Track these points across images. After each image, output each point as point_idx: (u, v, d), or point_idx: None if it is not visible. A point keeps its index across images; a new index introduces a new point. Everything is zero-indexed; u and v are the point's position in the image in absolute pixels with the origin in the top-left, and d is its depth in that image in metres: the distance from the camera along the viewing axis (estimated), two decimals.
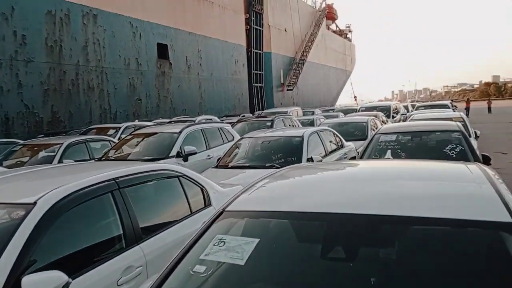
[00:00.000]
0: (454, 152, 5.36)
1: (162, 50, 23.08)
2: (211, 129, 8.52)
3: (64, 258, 2.47)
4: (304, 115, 20.50)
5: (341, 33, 62.96)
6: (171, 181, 3.47)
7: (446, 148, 5.46)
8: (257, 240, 1.80)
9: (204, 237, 1.93)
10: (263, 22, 36.03)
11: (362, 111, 18.29)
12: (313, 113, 21.50)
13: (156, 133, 7.96)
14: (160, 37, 22.93)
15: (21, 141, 8.98)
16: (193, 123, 8.84)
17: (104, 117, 18.99)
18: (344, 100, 67.45)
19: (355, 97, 63.91)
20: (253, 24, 34.52)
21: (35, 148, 8.02)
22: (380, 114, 15.53)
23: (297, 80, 41.34)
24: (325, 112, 21.79)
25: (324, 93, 52.15)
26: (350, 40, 66.91)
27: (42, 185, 2.79)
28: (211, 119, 17.50)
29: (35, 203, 2.43)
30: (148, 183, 3.24)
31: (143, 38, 21.58)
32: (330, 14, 54.98)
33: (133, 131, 8.81)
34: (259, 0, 35.13)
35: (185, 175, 3.58)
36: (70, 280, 2.20)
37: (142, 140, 7.84)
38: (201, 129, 8.13)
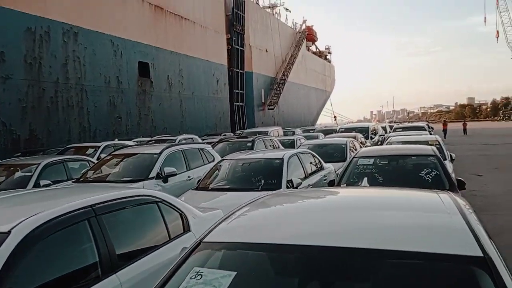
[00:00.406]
0: (430, 177, 5.49)
1: (144, 69, 23.08)
2: (191, 149, 8.51)
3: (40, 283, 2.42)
4: (284, 135, 20.66)
5: (320, 54, 64.14)
6: (150, 207, 3.45)
7: (422, 172, 5.58)
8: (234, 273, 1.80)
9: (181, 270, 1.92)
10: (245, 42, 36.50)
11: (341, 131, 18.56)
12: (293, 133, 21.70)
13: (135, 154, 7.90)
14: (142, 55, 22.95)
15: None
16: (173, 143, 8.80)
17: (83, 135, 18.75)
18: (324, 119, 68.36)
19: (334, 117, 64.81)
20: (235, 44, 34.91)
21: (11, 168, 7.85)
22: (359, 135, 15.80)
23: (278, 100, 41.76)
24: (305, 133, 22.02)
25: (304, 113, 52.73)
26: (329, 61, 68.17)
27: (17, 212, 2.74)
28: (192, 139, 17.47)
29: (9, 232, 2.39)
30: (126, 209, 3.21)
31: (124, 56, 21.56)
32: (310, 36, 56.05)
33: (112, 151, 8.71)
34: (240, 21, 35.63)
35: (164, 200, 3.56)
36: None
37: (121, 160, 7.76)
38: (181, 150, 8.11)
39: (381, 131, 21.87)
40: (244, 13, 36.23)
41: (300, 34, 50.79)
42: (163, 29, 24.90)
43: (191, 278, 1.83)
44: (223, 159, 7.45)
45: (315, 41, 61.30)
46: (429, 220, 2.09)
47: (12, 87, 15.39)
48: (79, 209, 2.81)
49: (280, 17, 48.43)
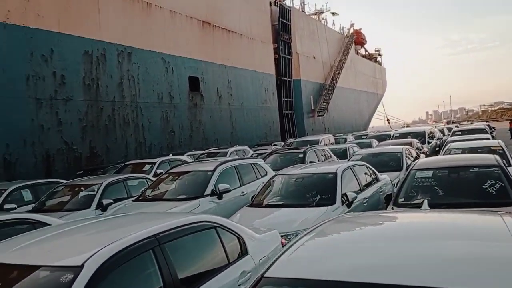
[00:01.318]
0: (494, 189, 5.21)
1: (194, 83, 23.70)
2: (244, 165, 8.61)
3: None
4: (336, 143, 20.38)
5: (370, 57, 62.88)
6: (209, 232, 3.53)
7: (485, 184, 5.31)
8: None
9: None
10: (292, 50, 36.53)
11: (396, 137, 18.03)
12: (345, 141, 21.36)
13: (190, 172, 8.12)
14: (192, 70, 23.59)
15: (63, 181, 9.32)
16: (226, 159, 8.95)
17: (139, 150, 19.52)
18: (377, 122, 66.68)
19: (387, 119, 63.12)
20: (282, 53, 35.04)
21: (76, 189, 8.31)
22: (415, 141, 15.27)
23: (328, 106, 41.33)
24: (357, 139, 21.59)
25: (356, 117, 51.81)
26: (380, 63, 66.64)
27: (87, 245, 2.90)
28: (243, 150, 17.68)
29: (82, 265, 2.53)
30: (187, 236, 3.31)
31: (175, 72, 22.26)
32: (358, 39, 55.18)
33: (168, 169, 9.00)
34: (286, 30, 35.74)
35: (221, 225, 3.63)
36: None
37: (177, 178, 8.00)
38: (234, 166, 8.23)
39: (438, 134, 21.05)
40: (290, 22, 36.33)
41: (348, 38, 50.12)
42: (211, 43, 25.48)
43: None
44: (276, 175, 7.48)
45: (364, 44, 60.27)
46: (492, 251, 2.01)
47: (73, 107, 16.33)
48: (144, 239, 2.93)
49: (326, 22, 48.14)
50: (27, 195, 8.79)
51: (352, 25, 53.75)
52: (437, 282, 1.73)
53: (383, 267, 1.94)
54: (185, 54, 22.99)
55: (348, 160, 9.67)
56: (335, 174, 6.74)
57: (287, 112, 35.38)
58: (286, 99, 35.28)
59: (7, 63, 13.96)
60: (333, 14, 49.94)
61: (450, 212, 3.03)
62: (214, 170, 7.66)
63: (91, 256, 2.60)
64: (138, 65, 19.83)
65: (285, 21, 35.64)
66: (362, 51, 60.61)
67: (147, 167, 12.53)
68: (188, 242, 3.38)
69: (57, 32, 15.81)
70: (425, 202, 3.10)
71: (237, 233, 3.76)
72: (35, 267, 2.68)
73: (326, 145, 17.88)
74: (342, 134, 28.74)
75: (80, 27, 16.79)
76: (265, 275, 2.10)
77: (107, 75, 18.18)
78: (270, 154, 12.32)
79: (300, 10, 41.58)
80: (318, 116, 40.33)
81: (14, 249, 2.96)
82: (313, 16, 46.04)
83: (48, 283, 2.61)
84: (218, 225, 3.61)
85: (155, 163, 12.62)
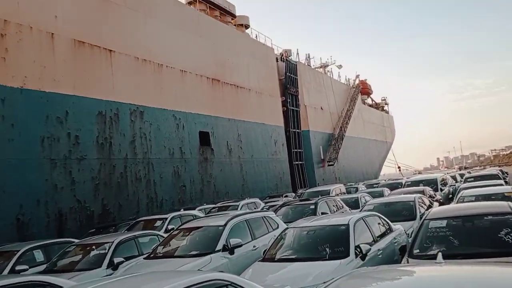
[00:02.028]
0: (510, 237, 5.12)
1: (204, 137, 24.07)
2: (255, 218, 8.57)
3: None
4: (347, 192, 20.24)
5: (377, 106, 63.64)
6: None
7: (501, 233, 5.23)
8: None
9: None
10: (299, 102, 37.23)
11: (408, 185, 17.86)
12: (356, 190, 21.20)
13: (201, 227, 8.10)
14: (202, 125, 24.05)
15: (75, 240, 9.33)
16: (237, 213, 8.93)
17: (150, 205, 19.54)
18: (387, 170, 66.18)
19: (398, 167, 62.66)
20: (290, 105, 35.70)
21: (87, 248, 8.30)
22: (428, 188, 15.12)
23: (337, 155, 41.38)
24: (369, 188, 21.42)
25: (366, 166, 51.62)
26: (387, 112, 67.27)
27: None
28: (254, 203, 17.60)
29: None
30: None
31: (186, 128, 22.70)
32: (364, 89, 56.11)
33: (179, 225, 8.99)
34: (293, 83, 36.63)
35: (233, 283, 3.60)
36: None
37: (188, 234, 7.97)
38: (245, 220, 8.20)
39: (451, 181, 20.81)
40: (296, 76, 37.30)
41: (354, 88, 51.04)
42: (221, 98, 26.13)
43: None
44: (288, 228, 7.42)
45: (370, 94, 61.19)
46: None
47: (86, 166, 16.60)
48: None
49: (332, 74, 49.24)
50: (39, 255, 8.78)
51: (357, 76, 54.93)
52: None
53: None
54: (195, 110, 23.55)
55: (360, 211, 9.58)
56: (348, 225, 6.69)
57: (297, 162, 35.46)
58: (295, 150, 35.47)
59: (24, 126, 14.43)
60: (338, 67, 51.19)
61: (465, 265, 3.00)
62: (225, 225, 7.65)
63: None
64: (150, 122, 20.30)
65: (291, 75, 36.60)
66: (369, 101, 61.43)
67: (158, 223, 12.51)
68: None
69: (72, 94, 16.42)
70: (439, 255, 3.06)
71: None
72: None
73: (338, 195, 17.76)
74: (353, 183, 28.55)
75: (94, 89, 17.43)
76: None
77: (120, 134, 18.59)
78: (281, 206, 12.26)
79: (306, 64, 42.76)
80: (328, 165, 40.30)
81: None
82: (319, 69, 47.24)
83: None
84: (230, 283, 3.59)
85: (166, 219, 12.60)
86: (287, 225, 8.38)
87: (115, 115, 18.33)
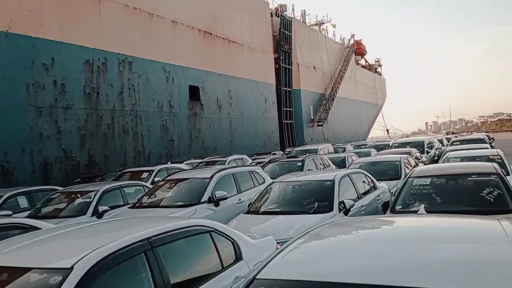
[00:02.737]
0: (492, 196, 5.18)
1: (194, 92, 23.74)
2: (241, 172, 8.59)
3: None
4: (335, 152, 20.36)
5: (370, 67, 63.10)
6: (203, 236, 3.50)
7: (484, 192, 5.28)
8: None
9: None
10: (292, 60, 36.65)
11: (395, 146, 18.01)
12: (344, 150, 21.33)
13: (187, 179, 8.09)
14: (192, 79, 23.65)
15: (60, 188, 9.29)
16: (223, 167, 8.92)
17: (138, 158, 19.48)
18: (376, 133, 66.65)
19: (387, 130, 63.10)
20: (282, 63, 35.16)
21: (72, 195, 8.28)
22: (414, 150, 15.27)
23: (327, 116, 41.38)
24: (356, 149, 21.56)
25: (355, 128, 51.82)
26: (380, 74, 66.87)
27: (77, 247, 2.87)
28: (242, 159, 17.66)
29: (72, 267, 2.50)
30: (180, 240, 3.28)
31: (176, 81, 22.32)
32: (358, 50, 55.37)
33: (165, 176, 8.98)
34: (287, 40, 35.90)
35: (216, 229, 3.60)
36: None
37: (174, 185, 7.97)
38: (232, 173, 8.21)
39: (437, 145, 21.02)
40: (291, 32, 36.51)
41: (348, 48, 50.33)
42: (212, 53, 25.59)
43: None
44: (273, 182, 7.45)
45: (364, 54, 60.48)
46: (491, 254, 1.98)
47: (73, 116, 16.34)
48: (136, 242, 2.90)
49: (327, 33, 48.35)
50: (23, 202, 8.76)
51: (352, 35, 53.98)
52: (428, 283, 1.70)
53: (375, 269, 1.91)
54: (185, 64, 23.08)
55: (347, 169, 9.63)
56: (333, 181, 6.72)
57: (286, 121, 35.41)
58: (286, 109, 35.33)
59: (8, 72, 14.00)
60: (333, 25, 50.19)
61: (446, 217, 3.00)
62: (212, 177, 7.65)
63: (81, 259, 2.58)
64: (138, 74, 19.88)
65: (286, 31, 35.81)
66: (362, 62, 60.81)
67: (144, 175, 12.50)
68: (181, 246, 3.35)
69: (58, 41, 15.88)
70: (422, 206, 3.06)
71: (232, 238, 3.73)
72: (25, 269, 2.66)
73: (325, 154, 17.86)
74: (341, 144, 28.72)
75: (81, 36, 16.86)
76: (257, 277, 2.08)
77: (108, 84, 18.21)
78: (269, 162, 12.30)
79: (301, 21, 41.82)
80: (318, 126, 40.37)
81: (4, 251, 2.92)
82: (314, 27, 46.28)
83: (37, 285, 2.58)
84: (212, 229, 3.59)
85: (153, 171, 12.59)
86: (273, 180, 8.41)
87: (103, 64, 17.88)
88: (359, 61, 57.87)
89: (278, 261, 2.16)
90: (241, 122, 28.24)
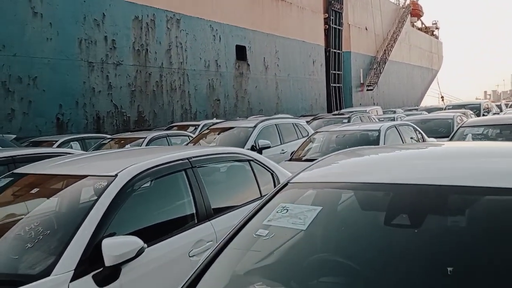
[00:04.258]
0: None
1: (241, 52, 23.60)
2: (285, 124, 8.55)
3: (140, 227, 2.61)
4: (384, 114, 19.77)
5: (427, 30, 59.79)
6: (242, 165, 3.53)
7: None
8: (319, 208, 1.80)
9: (267, 206, 1.95)
10: (343, 21, 35.36)
11: (449, 109, 17.20)
12: (394, 112, 20.67)
13: (231, 128, 8.16)
14: (239, 39, 23.46)
15: (109, 136, 9.66)
16: (268, 117, 8.91)
17: (185, 116, 19.84)
18: (430, 101, 63.81)
19: (442, 97, 60.13)
20: (332, 23, 34.03)
21: (122, 141, 8.59)
22: (469, 112, 14.51)
23: (378, 80, 40.03)
24: (407, 112, 20.80)
25: (407, 93, 49.90)
26: (437, 37, 63.33)
27: (123, 162, 2.97)
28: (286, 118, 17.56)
29: (116, 175, 2.60)
30: (220, 165, 3.32)
31: (223, 40, 22.23)
32: (415, 11, 52.49)
33: (210, 125, 9.10)
34: None
35: (255, 159, 3.61)
36: (145, 246, 2.31)
37: (218, 134, 8.07)
38: (275, 124, 8.19)
39: (495, 109, 19.89)
40: None
41: (403, 9, 47.82)
42: (260, 12, 25.15)
43: (277, 212, 1.85)
44: (317, 132, 7.35)
45: (421, 16, 57.27)
46: None
47: (123, 72, 16.76)
48: (177, 160, 2.96)
49: None
50: (76, 146, 9.20)
51: None
52: (460, 182, 1.63)
53: (409, 174, 1.86)
54: (233, 22, 22.86)
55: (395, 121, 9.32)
56: (379, 131, 6.53)
57: (334, 85, 34.62)
58: (334, 72, 34.46)
59: (61, 26, 14.46)
60: None
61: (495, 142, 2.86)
62: (255, 126, 7.67)
63: (124, 169, 2.66)
64: (186, 32, 19.95)
65: None
66: (418, 24, 57.70)
67: (191, 129, 12.74)
68: (221, 171, 3.40)
69: None
70: (469, 135, 2.89)
71: (271, 169, 3.73)
72: (76, 177, 2.80)
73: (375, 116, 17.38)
74: (391, 109, 27.81)
75: None
76: (291, 181, 2.09)
77: (156, 41, 18.43)
78: (314, 119, 12.15)
79: None
80: (367, 90, 39.20)
81: (56, 163, 3.09)
82: None
83: (86, 190, 2.70)
84: (252, 159, 3.60)
85: (198, 125, 12.81)
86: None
87: (152, 21, 18.06)
88: (414, 23, 54.94)
89: (310, 171, 2.17)
90: (288, 84, 27.90)
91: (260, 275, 1.77)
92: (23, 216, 2.63)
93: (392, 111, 22.25)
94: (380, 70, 40.05)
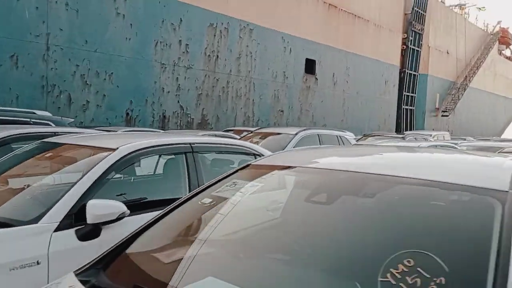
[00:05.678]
0: None
1: (310, 65, 23.73)
2: (328, 135, 8.57)
3: (131, 197, 2.88)
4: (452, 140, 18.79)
5: None
6: (247, 158, 3.69)
7: None
8: (259, 185, 1.97)
9: (224, 181, 2.14)
10: (422, 42, 34.23)
11: None
12: (465, 140, 19.56)
13: (274, 133, 8.34)
14: (309, 52, 23.63)
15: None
16: (311, 127, 8.99)
17: (247, 123, 20.31)
18: None
19: None
20: (411, 44, 33.06)
21: None
22: None
23: (455, 106, 38.05)
24: (480, 142, 19.55)
25: (487, 123, 46.84)
26: None
27: (128, 139, 3.29)
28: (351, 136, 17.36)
29: (116, 148, 2.90)
30: (223, 155, 3.52)
31: (293, 53, 22.53)
32: (504, 39, 49.30)
33: (256, 129, 9.36)
34: (420, 20, 33.56)
35: (261, 154, 3.76)
36: (128, 212, 2.57)
37: (261, 138, 8.29)
38: (317, 134, 8.25)
39: None
40: (425, 12, 34.03)
41: (491, 36, 45.21)
42: (335, 27, 25.16)
43: (226, 185, 2.04)
44: (355, 144, 7.31)
45: (510, 44, 53.68)
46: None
47: (192, 75, 17.63)
48: (178, 143, 3.22)
49: (469, 16, 44.00)
50: None
51: (499, 22, 48.39)
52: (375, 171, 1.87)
53: (340, 164, 2.08)
54: (305, 36, 23.10)
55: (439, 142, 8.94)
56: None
57: (406, 107, 33.49)
58: (407, 93, 33.36)
59: (140, 28, 15.60)
60: (479, 9, 45.49)
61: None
62: (296, 134, 7.78)
63: (126, 144, 2.96)
64: (257, 42, 20.53)
65: (419, 10, 33.47)
66: (507, 52, 54.12)
67: (245, 133, 13.07)
68: (223, 161, 3.59)
69: (187, 3, 17.13)
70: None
71: None
72: (88, 147, 3.15)
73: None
74: (463, 136, 26.30)
75: (209, 0, 17.94)
76: (252, 163, 2.26)
77: (227, 49, 19.18)
78: (365, 136, 11.96)
79: (440, 1, 38.62)
80: (443, 116, 37.39)
81: (77, 136, 3.48)
82: (454, 8, 42.39)
83: (92, 158, 3.03)
84: (258, 153, 3.75)
85: (252, 131, 13.11)
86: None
87: (225, 29, 18.83)
88: (502, 51, 51.62)
89: (272, 157, 2.37)
90: (356, 102, 27.51)
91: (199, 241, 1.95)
92: (39, 176, 3.02)
93: (463, 138, 21.06)
94: (458, 96, 38.08)
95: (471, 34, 41.79)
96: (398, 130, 31.54)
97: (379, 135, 12.84)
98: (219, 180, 2.14)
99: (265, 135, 8.36)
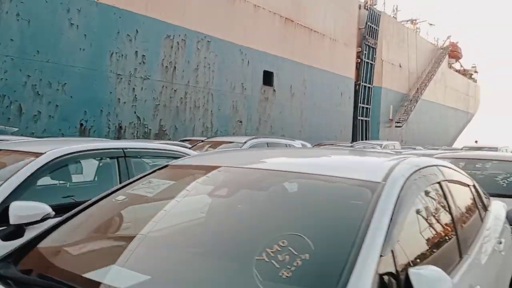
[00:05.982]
0: None
1: (268, 77, 24.16)
2: (278, 143, 8.83)
3: (60, 200, 2.95)
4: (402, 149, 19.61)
5: (465, 72, 58.93)
6: None
7: None
8: (172, 182, 2.13)
9: (141, 180, 2.27)
10: (376, 56, 35.61)
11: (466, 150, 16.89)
12: (414, 149, 20.43)
13: (226, 142, 8.51)
14: (267, 65, 24.07)
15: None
16: (260, 136, 9.23)
17: (205, 134, 20.36)
18: (463, 143, 62.05)
19: (476, 141, 58.52)
20: (365, 57, 34.33)
21: None
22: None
23: (408, 117, 39.64)
24: (430, 150, 20.49)
25: (439, 134, 48.98)
26: (475, 80, 62.23)
27: (60, 145, 3.36)
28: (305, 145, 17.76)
29: (45, 153, 2.97)
30: (157, 159, 3.64)
31: (251, 65, 22.89)
32: (453, 53, 52.06)
33: (206, 138, 9.50)
34: (373, 35, 34.94)
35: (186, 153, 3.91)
36: (53, 213, 2.65)
37: (211, 146, 8.44)
38: (266, 142, 8.49)
39: None
40: (378, 27, 35.49)
41: (441, 50, 47.55)
42: (291, 40, 25.78)
43: (142, 184, 2.17)
44: (269, 148, 7.62)
45: (459, 58, 56.63)
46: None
47: (149, 86, 17.59)
48: (111, 148, 3.32)
49: (419, 31, 46.16)
50: None
51: (448, 37, 50.95)
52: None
53: (240, 162, 2.28)
54: (263, 48, 23.54)
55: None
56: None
57: (362, 118, 34.60)
58: (363, 105, 34.52)
59: (95, 38, 15.47)
60: (430, 24, 47.78)
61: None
62: (245, 142, 7.98)
63: (55, 149, 3.04)
64: (215, 54, 20.73)
65: (373, 25, 34.88)
66: (457, 66, 57.05)
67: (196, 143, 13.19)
68: (157, 165, 3.71)
69: (144, 14, 17.15)
70: None
71: None
72: (20, 152, 3.19)
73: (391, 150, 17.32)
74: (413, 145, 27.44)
75: (165, 12, 18.02)
76: (170, 164, 2.42)
77: (185, 60, 19.28)
78: (316, 145, 12.33)
79: (392, 16, 40.36)
80: (396, 126, 38.85)
81: (13, 142, 3.50)
82: (406, 23, 44.37)
83: (23, 162, 3.07)
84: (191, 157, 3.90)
85: (203, 140, 13.24)
86: None
87: (182, 41, 18.94)
88: (452, 65, 54.39)
89: (189, 158, 2.56)
90: (313, 113, 28.15)
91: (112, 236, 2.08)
92: None
93: (412, 147, 21.99)
94: (411, 108, 39.71)
95: (422, 48, 43.82)
96: (354, 139, 32.45)
97: (331, 144, 13.26)
98: (137, 180, 2.28)
99: (216, 144, 8.52)
